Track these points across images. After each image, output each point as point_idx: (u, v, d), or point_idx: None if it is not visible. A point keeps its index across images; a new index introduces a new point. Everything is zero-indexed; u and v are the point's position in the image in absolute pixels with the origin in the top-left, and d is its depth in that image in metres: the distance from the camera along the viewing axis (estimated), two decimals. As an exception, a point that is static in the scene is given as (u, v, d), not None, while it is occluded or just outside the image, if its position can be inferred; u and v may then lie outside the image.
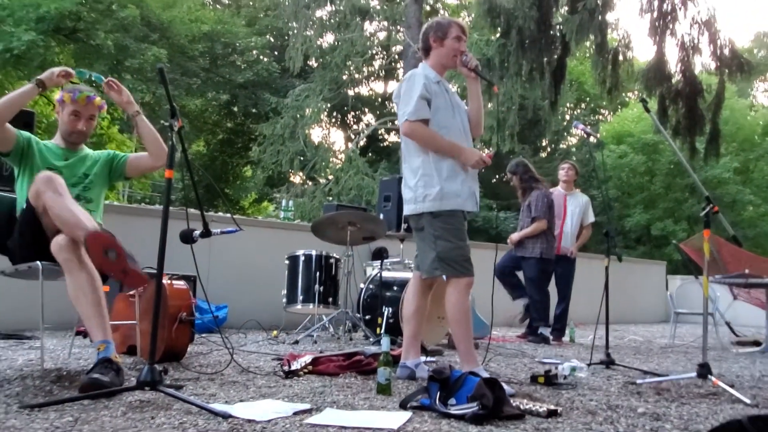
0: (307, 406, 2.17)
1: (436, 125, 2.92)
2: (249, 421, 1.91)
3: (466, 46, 3.06)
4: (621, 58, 8.75)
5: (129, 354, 3.44)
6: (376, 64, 21.41)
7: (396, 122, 3.09)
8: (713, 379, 3.05)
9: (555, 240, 5.62)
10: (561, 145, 23.87)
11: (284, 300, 5.04)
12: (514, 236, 5.58)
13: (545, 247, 5.47)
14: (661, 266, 11.77)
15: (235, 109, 20.33)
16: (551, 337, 5.51)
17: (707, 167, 16.79)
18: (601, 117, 26.23)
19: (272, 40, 21.17)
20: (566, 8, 8.67)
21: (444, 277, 2.87)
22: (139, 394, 2.23)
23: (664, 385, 3.08)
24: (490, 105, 9.98)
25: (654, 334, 7.56)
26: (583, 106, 26.17)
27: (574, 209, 5.88)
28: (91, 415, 1.93)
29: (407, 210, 3.02)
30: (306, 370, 2.93)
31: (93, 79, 2.85)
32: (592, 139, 3.97)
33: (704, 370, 3.10)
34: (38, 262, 2.56)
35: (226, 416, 1.94)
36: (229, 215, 5.91)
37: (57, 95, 2.88)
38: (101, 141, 18.07)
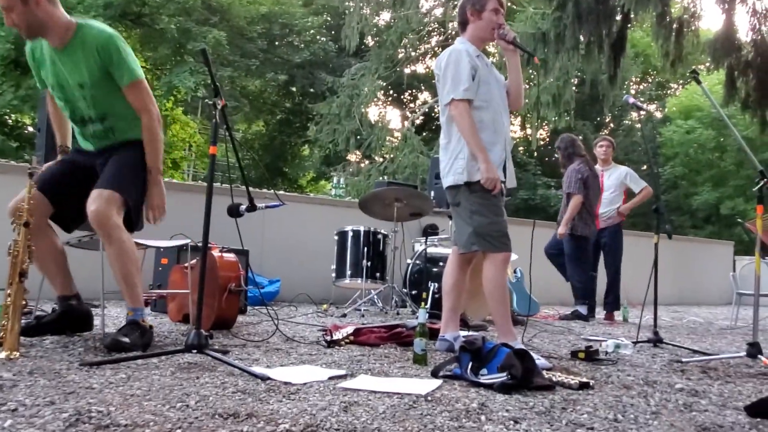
0: (342, 372, 2.26)
1: (479, 99, 2.91)
2: (285, 383, 2.02)
3: (505, 18, 3.02)
4: (685, 28, 8.37)
5: (184, 322, 3.65)
6: (433, 41, 21.17)
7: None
8: (763, 359, 2.96)
9: (591, 217, 5.46)
10: (625, 121, 23.04)
11: (333, 275, 5.17)
12: (561, 229, 5.42)
13: (579, 224, 5.35)
14: (729, 246, 11.32)
15: (293, 89, 20.62)
16: (587, 314, 5.42)
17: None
18: (669, 91, 25.13)
19: (329, 19, 21.26)
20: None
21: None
22: (189, 357, 2.38)
23: (712, 365, 3.01)
24: (549, 79, 9.74)
25: (717, 315, 7.31)
26: (649, 80, 25.10)
27: (610, 184, 5.74)
28: (143, 373, 2.09)
29: (446, 182, 2.99)
30: (347, 341, 3.03)
31: None
32: (642, 113, 3.85)
33: (754, 350, 3.02)
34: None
35: (264, 378, 2.05)
36: (274, 191, 6.06)
37: None
38: (165, 122, 18.75)
